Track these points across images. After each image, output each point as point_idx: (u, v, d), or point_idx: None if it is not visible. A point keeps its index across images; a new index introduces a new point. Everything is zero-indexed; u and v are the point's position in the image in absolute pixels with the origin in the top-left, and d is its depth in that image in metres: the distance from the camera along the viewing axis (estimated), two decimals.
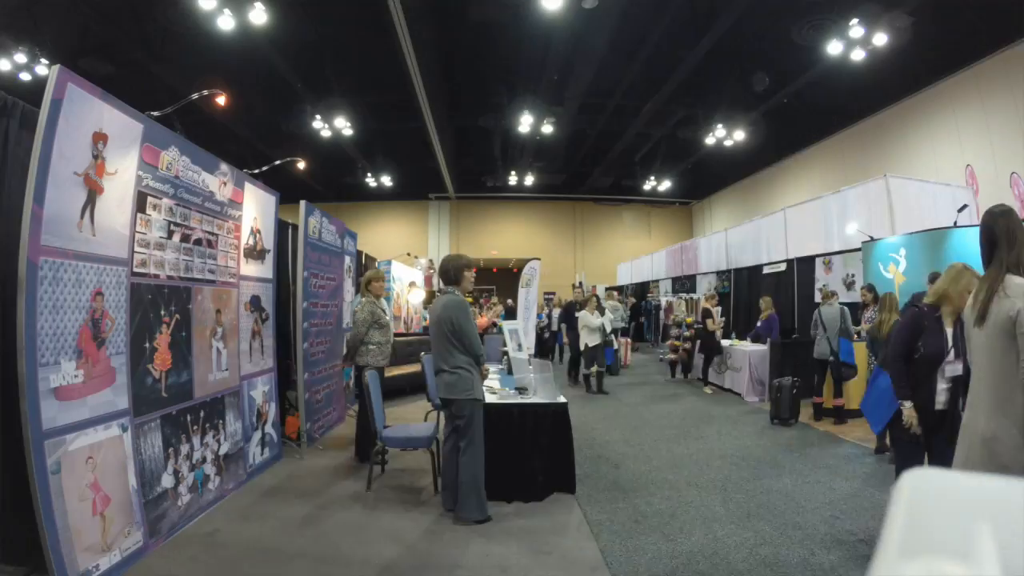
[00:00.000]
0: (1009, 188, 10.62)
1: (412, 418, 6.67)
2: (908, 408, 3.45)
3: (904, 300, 8.21)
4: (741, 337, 11.07)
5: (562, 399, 5.24)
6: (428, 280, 18.83)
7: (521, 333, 6.17)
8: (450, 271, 4.62)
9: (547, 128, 15.57)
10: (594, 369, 10.12)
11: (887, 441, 5.55)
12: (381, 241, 23.29)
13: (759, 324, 9.94)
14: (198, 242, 4.61)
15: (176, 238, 4.28)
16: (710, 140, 16.16)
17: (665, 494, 4.96)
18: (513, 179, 22.03)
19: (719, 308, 10.66)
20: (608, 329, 10.52)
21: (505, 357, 6.86)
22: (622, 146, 18.41)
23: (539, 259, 12.65)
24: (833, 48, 10.56)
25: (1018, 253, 2.38)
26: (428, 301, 14.53)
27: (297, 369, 6.51)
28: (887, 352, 4.04)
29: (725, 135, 15.64)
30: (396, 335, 11.28)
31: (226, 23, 9.54)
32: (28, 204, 2.93)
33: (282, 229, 6.67)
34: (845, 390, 7.80)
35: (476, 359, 4.50)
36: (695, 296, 15.31)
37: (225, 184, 5.07)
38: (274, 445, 5.86)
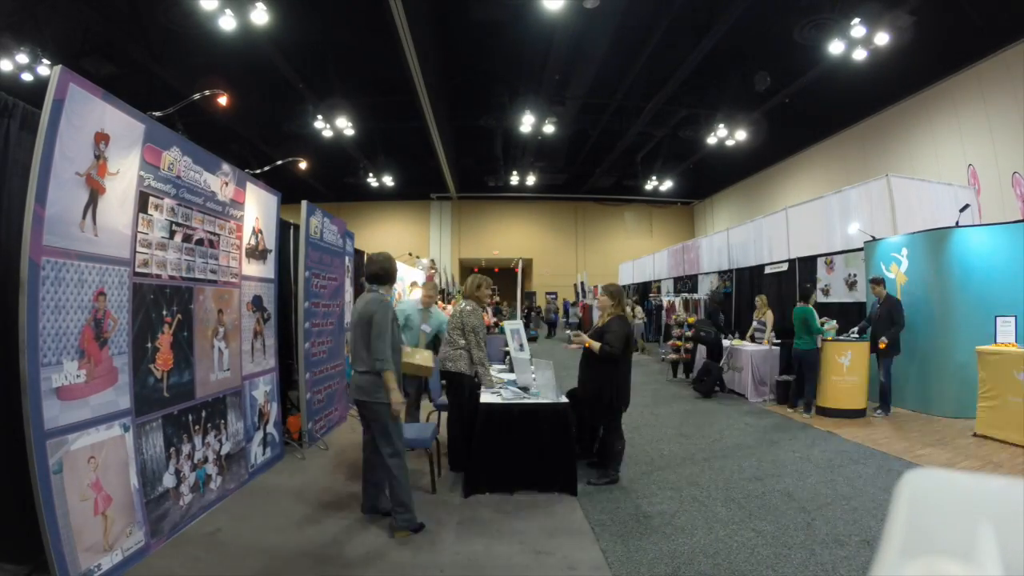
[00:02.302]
0: (1011, 188, 10.62)
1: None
2: None
3: (906, 300, 8.23)
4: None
5: (564, 399, 5.24)
6: (430, 279, 18.82)
7: (522, 332, 6.15)
8: (379, 271, 4.29)
9: (548, 128, 15.58)
10: None
11: None
12: (383, 241, 23.30)
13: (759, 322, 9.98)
14: (200, 242, 4.61)
15: (178, 238, 4.28)
16: (711, 140, 16.16)
17: (666, 494, 4.96)
18: (515, 179, 22.05)
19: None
20: None
21: (507, 357, 6.87)
22: (624, 146, 18.41)
23: (529, 259, 12.64)
24: (835, 48, 10.56)
25: None
26: None
27: (299, 369, 6.52)
28: None
29: (727, 135, 15.64)
30: None
31: (228, 23, 9.55)
32: (30, 204, 2.93)
33: (284, 229, 6.68)
34: (842, 390, 7.81)
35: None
36: (696, 296, 15.31)
37: (227, 184, 5.08)
38: (276, 445, 5.86)
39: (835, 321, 8.34)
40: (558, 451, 4.96)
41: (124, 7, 10.30)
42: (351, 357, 4.33)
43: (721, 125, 15.39)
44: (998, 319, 6.75)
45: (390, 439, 4.09)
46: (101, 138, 3.40)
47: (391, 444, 4.09)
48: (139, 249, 3.80)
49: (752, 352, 9.42)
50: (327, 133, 15.40)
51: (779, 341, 9.48)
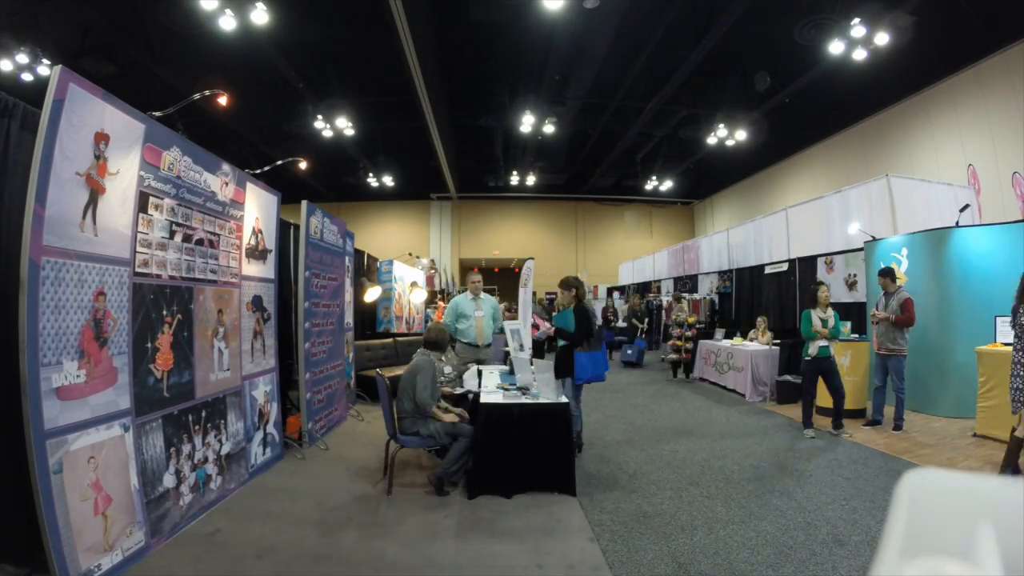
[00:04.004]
0: (1011, 188, 10.62)
1: None
2: None
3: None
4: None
5: (563, 399, 5.24)
6: (430, 280, 18.84)
7: (522, 333, 6.16)
8: (433, 339, 5.50)
9: (549, 128, 15.58)
10: None
11: None
12: (383, 241, 23.31)
13: None
14: (200, 242, 4.61)
15: (178, 238, 4.28)
16: (712, 140, 16.16)
17: (667, 494, 4.96)
18: (515, 179, 22.05)
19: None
20: None
21: (508, 357, 6.87)
22: (624, 146, 18.42)
23: (533, 259, 12.60)
24: (835, 48, 10.56)
25: None
26: (430, 301, 14.54)
27: (299, 369, 6.52)
28: None
29: (727, 135, 15.63)
30: (397, 335, 11.32)
31: (228, 23, 9.55)
32: (30, 204, 2.93)
33: (284, 229, 6.68)
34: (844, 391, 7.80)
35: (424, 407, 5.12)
36: (697, 296, 15.31)
37: (227, 184, 5.08)
38: (276, 445, 5.86)
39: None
40: (557, 451, 4.97)
41: (124, 7, 10.30)
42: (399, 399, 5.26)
43: (721, 125, 15.39)
44: (998, 319, 6.75)
45: (452, 432, 5.11)
46: (101, 138, 3.40)
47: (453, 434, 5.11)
48: (139, 249, 3.80)
49: (752, 352, 9.42)
50: (327, 133, 15.40)
51: (779, 342, 9.48)
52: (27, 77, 10.41)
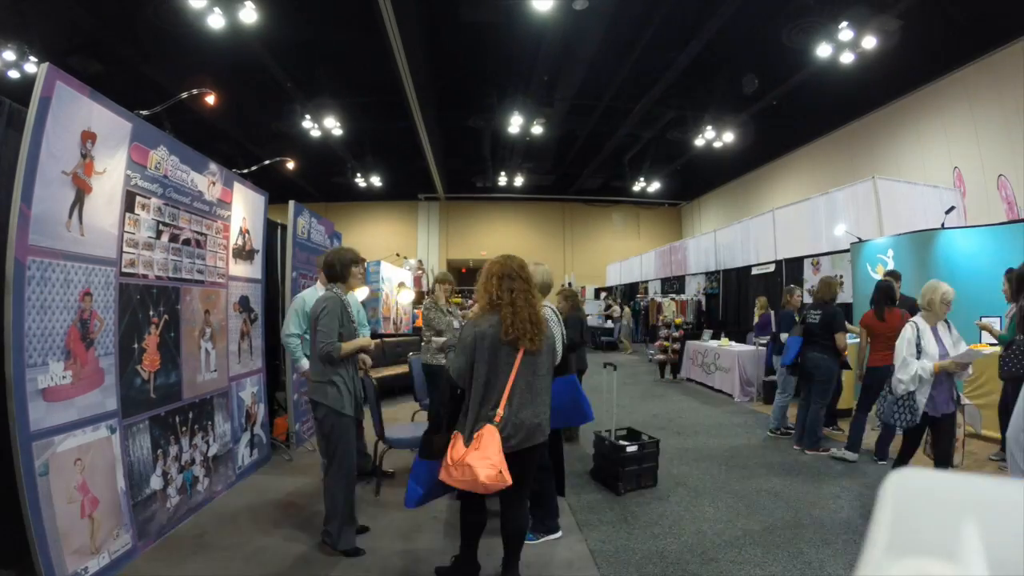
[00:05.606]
0: (996, 190, 10.74)
1: (402, 419, 6.68)
2: None
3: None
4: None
5: None
6: (417, 280, 18.79)
7: None
8: (335, 266, 3.99)
9: (537, 129, 15.58)
10: None
11: None
12: (370, 241, 23.22)
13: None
14: (187, 242, 4.58)
15: (165, 238, 4.25)
16: (699, 141, 16.22)
17: (655, 494, 4.98)
18: (503, 180, 22.04)
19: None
20: None
21: None
22: (612, 147, 18.45)
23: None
24: (822, 51, 10.63)
25: None
26: (417, 302, 14.51)
27: (286, 370, 6.49)
28: None
29: (714, 136, 15.69)
30: (385, 336, 11.30)
31: (216, 22, 9.48)
32: (16, 203, 2.90)
33: (271, 229, 6.65)
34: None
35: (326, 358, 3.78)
36: (684, 296, 15.38)
37: (214, 184, 5.05)
38: (263, 446, 5.83)
39: None
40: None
41: (112, 5, 10.19)
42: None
43: (709, 127, 15.45)
44: (983, 320, 6.81)
45: (335, 449, 4.00)
46: (88, 136, 3.37)
47: (335, 454, 3.98)
48: (126, 249, 3.77)
49: (739, 353, 9.47)
50: (315, 133, 15.32)
51: (764, 342, 9.53)
52: (14, 74, 10.29)
